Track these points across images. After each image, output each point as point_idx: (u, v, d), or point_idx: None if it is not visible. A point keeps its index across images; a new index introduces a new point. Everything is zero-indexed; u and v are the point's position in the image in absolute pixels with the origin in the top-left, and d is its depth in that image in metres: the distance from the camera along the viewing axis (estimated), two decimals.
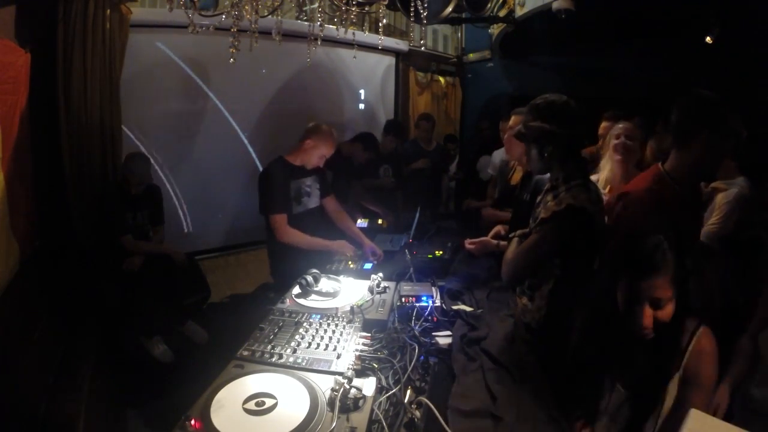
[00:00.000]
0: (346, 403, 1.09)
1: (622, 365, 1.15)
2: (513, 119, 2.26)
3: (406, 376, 1.28)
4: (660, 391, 1.08)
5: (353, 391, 1.11)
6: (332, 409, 1.07)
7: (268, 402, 1.09)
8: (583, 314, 1.27)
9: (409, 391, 1.21)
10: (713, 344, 1.09)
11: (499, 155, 3.77)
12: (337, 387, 1.11)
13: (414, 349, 1.43)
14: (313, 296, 1.74)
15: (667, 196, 1.45)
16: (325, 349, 1.35)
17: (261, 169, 3.86)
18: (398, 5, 2.83)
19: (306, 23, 2.12)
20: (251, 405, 1.09)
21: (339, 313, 1.59)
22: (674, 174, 1.46)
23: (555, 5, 3.02)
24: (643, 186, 1.49)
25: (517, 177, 2.58)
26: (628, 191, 1.52)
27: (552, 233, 1.42)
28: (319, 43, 1.99)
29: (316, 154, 2.42)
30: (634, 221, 1.41)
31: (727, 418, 1.31)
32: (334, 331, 1.46)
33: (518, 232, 1.61)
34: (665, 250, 1.06)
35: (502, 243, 1.90)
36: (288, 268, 2.26)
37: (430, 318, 1.68)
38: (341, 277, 1.90)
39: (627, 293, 1.10)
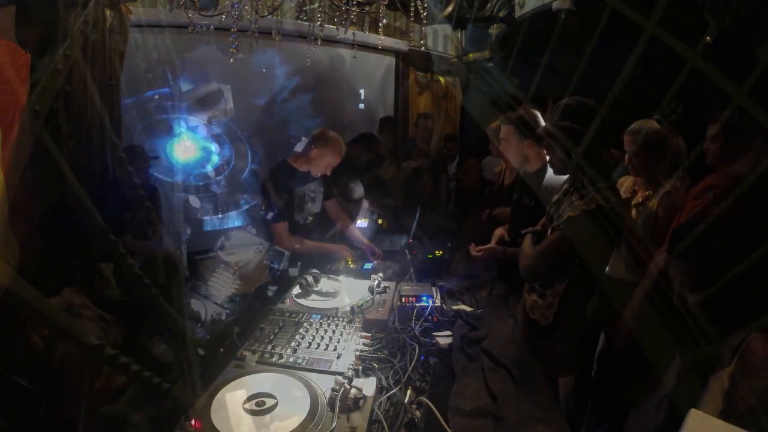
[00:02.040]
0: (346, 403, 1.09)
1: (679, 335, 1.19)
2: (503, 127, 2.24)
3: (406, 376, 1.28)
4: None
5: (353, 391, 1.11)
6: (332, 409, 1.07)
7: (268, 402, 1.10)
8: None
9: (409, 391, 1.22)
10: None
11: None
12: (338, 387, 1.11)
13: (414, 349, 1.43)
14: (313, 296, 1.75)
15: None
16: (325, 349, 1.36)
17: (258, 169, 3.89)
18: (398, 5, 2.83)
19: (306, 23, 2.12)
20: (251, 405, 1.09)
21: (339, 313, 1.60)
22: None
23: (555, 5, 3.02)
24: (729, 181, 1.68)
25: (508, 179, 2.59)
26: (716, 184, 1.66)
27: (579, 231, 1.42)
28: (319, 43, 1.99)
29: (323, 163, 2.35)
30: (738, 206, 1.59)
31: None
32: (334, 331, 1.46)
33: (530, 229, 1.62)
34: None
35: (509, 249, 1.92)
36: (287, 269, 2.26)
37: (430, 318, 1.68)
38: (341, 277, 1.90)
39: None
